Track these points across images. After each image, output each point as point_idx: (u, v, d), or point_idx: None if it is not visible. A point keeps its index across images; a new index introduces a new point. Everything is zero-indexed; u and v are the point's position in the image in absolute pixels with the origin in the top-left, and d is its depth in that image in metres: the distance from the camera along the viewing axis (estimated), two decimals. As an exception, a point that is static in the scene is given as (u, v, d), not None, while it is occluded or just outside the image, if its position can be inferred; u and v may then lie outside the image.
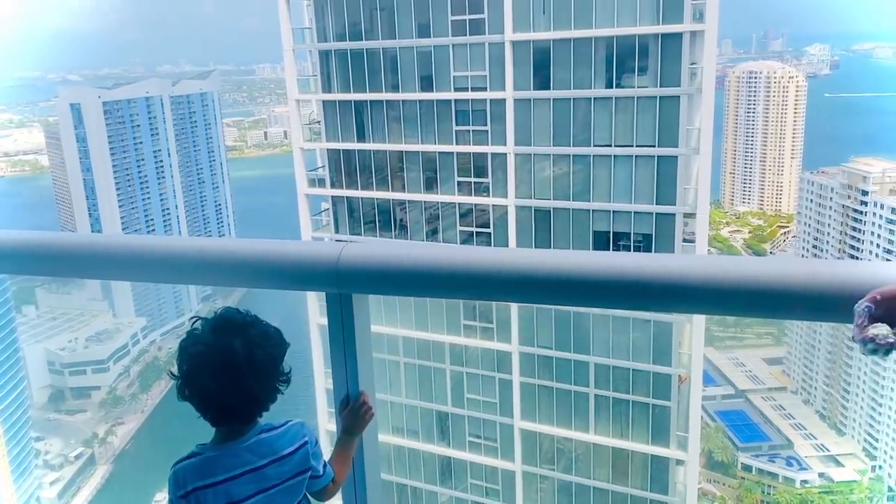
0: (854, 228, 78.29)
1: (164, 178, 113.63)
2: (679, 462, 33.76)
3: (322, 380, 39.50)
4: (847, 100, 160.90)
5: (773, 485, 73.37)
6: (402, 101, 35.65)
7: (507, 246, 33.77)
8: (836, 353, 79.51)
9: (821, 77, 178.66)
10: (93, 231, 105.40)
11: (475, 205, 35.55)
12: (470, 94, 34.24)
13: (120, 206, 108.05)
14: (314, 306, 37.72)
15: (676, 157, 31.69)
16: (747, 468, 75.12)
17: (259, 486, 2.31)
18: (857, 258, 77.60)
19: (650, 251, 32.30)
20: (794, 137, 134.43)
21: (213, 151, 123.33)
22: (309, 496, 2.50)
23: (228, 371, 2.24)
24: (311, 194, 39.15)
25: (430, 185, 36.40)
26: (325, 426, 38.59)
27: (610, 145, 32.46)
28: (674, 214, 31.98)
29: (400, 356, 37.08)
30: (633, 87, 31.77)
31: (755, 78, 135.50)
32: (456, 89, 34.39)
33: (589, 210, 33.29)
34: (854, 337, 1.91)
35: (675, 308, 2.24)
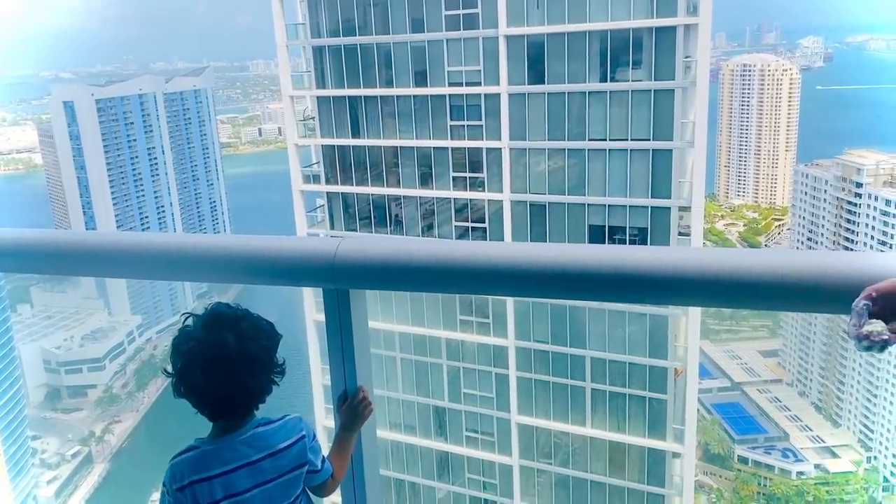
0: (848, 220, 78.54)
1: (158, 175, 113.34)
2: (675, 455, 33.87)
3: (319, 376, 39.52)
4: (841, 92, 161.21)
5: (769, 476, 73.70)
6: (397, 96, 35.59)
7: (502, 241, 33.78)
8: (832, 344, 79.82)
9: (815, 69, 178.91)
10: (87, 229, 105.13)
11: (470, 200, 35.55)
12: (464, 89, 34.20)
13: (114, 204, 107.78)
14: (310, 302, 37.70)
15: (671, 150, 31.72)
16: (744, 460, 75.44)
17: (256, 480, 2.31)
18: (851, 250, 77.86)
19: (646, 245, 32.36)
20: (788, 130, 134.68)
21: (207, 148, 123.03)
22: (308, 491, 2.49)
23: (221, 365, 2.24)
24: (306, 191, 39.09)
25: (426, 180, 36.37)
26: (323, 422, 38.62)
27: (605, 139, 32.47)
28: (669, 208, 32.02)
29: (396, 352, 37.10)
30: (628, 80, 31.77)
31: (749, 71, 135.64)
32: (450, 84, 34.35)
33: (584, 204, 33.32)
34: (850, 334, 1.92)
35: (672, 301, 2.24)
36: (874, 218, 74.66)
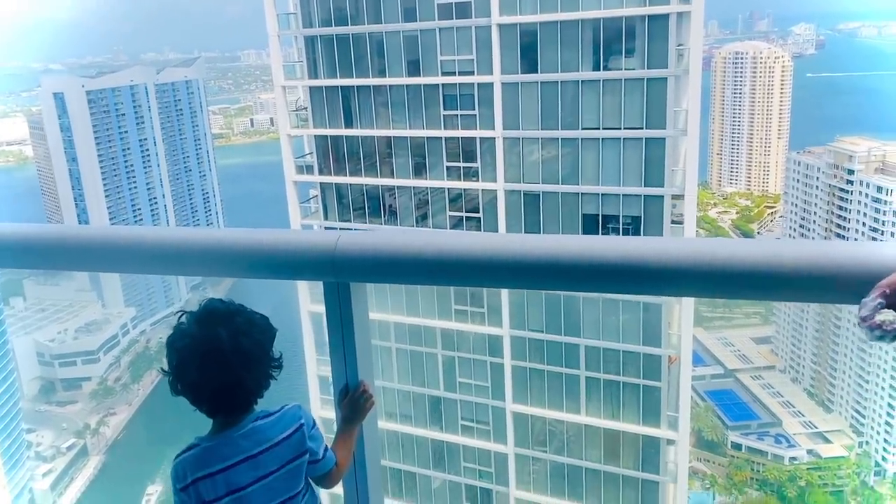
0: (840, 207, 78.83)
1: (150, 167, 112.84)
2: (670, 442, 34.08)
3: (314, 367, 39.54)
4: (833, 79, 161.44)
5: (762, 462, 74.21)
6: (390, 86, 35.48)
7: (496, 231, 33.82)
8: (824, 331, 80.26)
9: (806, 57, 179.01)
10: (80, 222, 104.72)
11: (464, 190, 35.54)
12: (457, 79, 34.12)
13: (106, 196, 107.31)
14: (305, 294, 37.70)
15: (664, 138, 31.75)
16: (737, 446, 75.93)
17: (257, 474, 2.32)
18: (843, 237, 78.17)
19: (639, 234, 32.45)
20: (780, 118, 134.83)
21: (199, 139, 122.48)
22: (312, 483, 2.49)
23: (215, 361, 2.24)
24: (299, 181, 39.00)
25: (419, 170, 36.34)
26: (319, 413, 38.67)
27: (598, 128, 32.48)
28: (662, 196, 32.07)
29: (391, 342, 37.15)
30: (621, 69, 31.74)
31: (741, 59, 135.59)
32: (443, 73, 34.25)
33: (578, 193, 33.35)
34: (861, 323, 1.95)
35: (667, 291, 2.26)
36: (866, 205, 74.96)
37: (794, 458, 73.74)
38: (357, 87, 36.06)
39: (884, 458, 72.25)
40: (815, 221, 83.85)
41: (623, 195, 32.51)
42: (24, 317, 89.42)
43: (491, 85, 33.33)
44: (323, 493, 2.63)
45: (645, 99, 31.66)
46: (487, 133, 34.09)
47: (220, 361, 2.24)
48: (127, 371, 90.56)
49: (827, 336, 79.84)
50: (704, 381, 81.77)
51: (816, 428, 76.81)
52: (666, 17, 30.30)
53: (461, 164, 35.26)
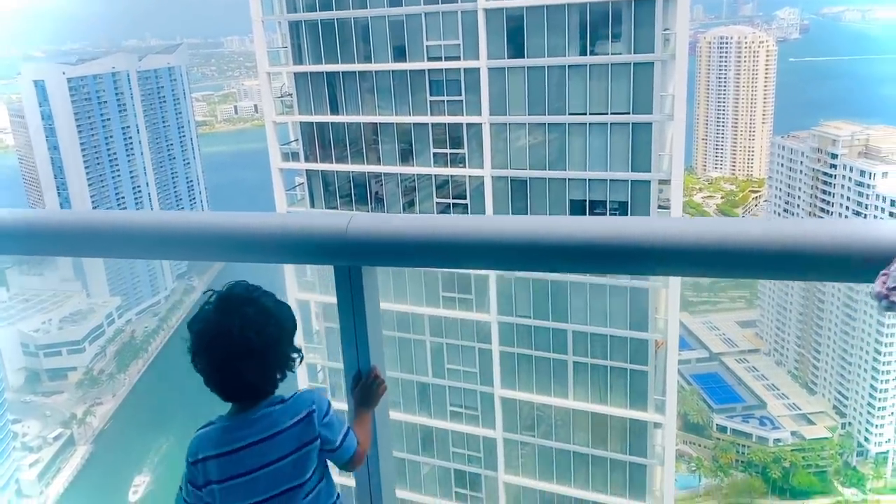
0: (824, 192, 79.47)
1: (133, 154, 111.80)
2: (657, 425, 34.35)
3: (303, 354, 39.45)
4: (817, 63, 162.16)
5: (747, 444, 75.11)
6: (375, 71, 35.24)
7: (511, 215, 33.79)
8: (807, 314, 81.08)
9: (791, 41, 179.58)
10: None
11: (451, 176, 35.45)
12: (443, 64, 33.92)
13: (89, 185, 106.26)
14: (292, 282, 37.60)
15: (651, 123, 31.77)
16: (722, 429, 76.79)
17: (263, 460, 2.30)
18: (828, 211, 78.82)
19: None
20: (764, 102, 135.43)
21: (182, 127, 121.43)
22: (328, 468, 2.46)
23: (221, 349, 2.23)
24: (284, 168, 38.74)
25: (406, 157, 36.19)
26: (307, 400, 38.67)
27: (585, 113, 32.45)
28: (649, 182, 32.15)
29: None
30: (608, 54, 31.69)
31: (726, 43, 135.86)
32: (429, 59, 34.03)
33: (565, 179, 33.36)
34: (873, 293, 1.95)
35: (662, 271, 2.25)
36: (849, 189, 75.58)
37: (778, 440, 74.70)
38: (342, 72, 35.78)
39: (866, 439, 73.30)
40: (798, 206, 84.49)
41: (610, 180, 32.56)
42: (7, 307, 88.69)
43: (477, 70, 33.18)
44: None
45: (632, 84, 31.63)
46: (474, 119, 33.98)
47: (225, 351, 2.23)
48: (113, 361, 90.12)
49: (811, 319, 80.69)
50: (690, 364, 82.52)
51: (800, 410, 77.81)
52: (652, 1, 30.24)
53: (448, 151, 35.15)
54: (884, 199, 70.87)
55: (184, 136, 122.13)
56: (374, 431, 2.72)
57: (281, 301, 2.37)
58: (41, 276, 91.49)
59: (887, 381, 72.15)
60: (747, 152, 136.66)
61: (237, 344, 2.21)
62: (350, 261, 2.52)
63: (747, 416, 77.90)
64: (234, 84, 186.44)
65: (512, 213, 34.32)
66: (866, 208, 73.25)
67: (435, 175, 35.61)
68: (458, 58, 33.49)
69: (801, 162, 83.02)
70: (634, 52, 31.24)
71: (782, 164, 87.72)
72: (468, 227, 2.38)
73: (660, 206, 32.49)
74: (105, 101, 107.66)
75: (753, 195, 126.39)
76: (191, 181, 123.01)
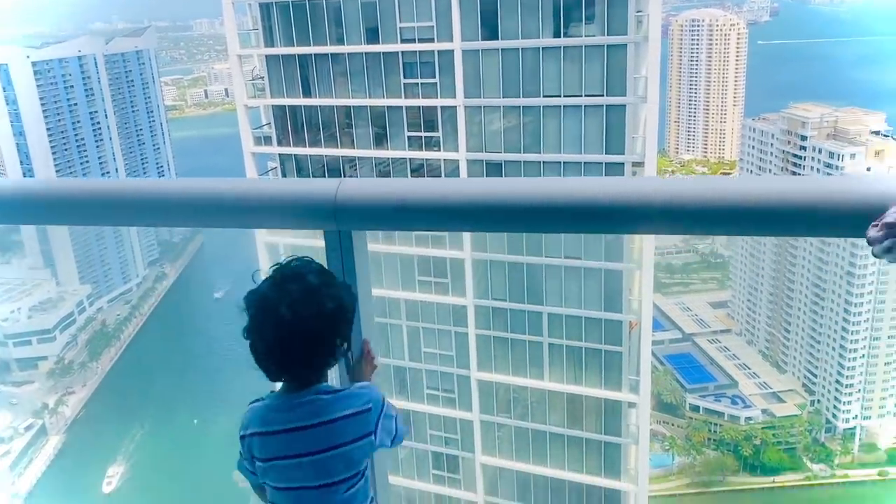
0: (794, 173, 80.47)
1: (102, 140, 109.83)
2: (631, 405, 34.80)
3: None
4: (787, 46, 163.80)
5: (719, 423, 76.37)
6: (348, 54, 34.91)
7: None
8: (778, 294, 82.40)
9: (761, 24, 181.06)
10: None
11: (426, 160, 35.34)
12: (417, 46, 33.69)
13: (57, 171, 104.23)
14: (266, 265, 37.26)
15: (624, 106, 31.91)
16: (695, 408, 77.94)
17: (308, 448, 2.24)
18: (796, 202, 79.90)
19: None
20: (735, 85, 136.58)
21: (152, 112, 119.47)
22: (368, 466, 2.39)
23: (261, 325, 2.21)
24: (257, 153, 38.33)
25: (380, 140, 35.97)
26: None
27: (559, 95, 32.47)
28: (623, 164, 32.33)
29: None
30: (581, 36, 31.70)
31: (698, 26, 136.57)
32: (403, 41, 33.78)
33: (540, 162, 33.41)
34: (870, 239, 1.98)
35: (642, 229, 2.28)
36: (818, 170, 76.65)
37: (749, 418, 76.02)
38: (315, 55, 35.39)
39: (834, 416, 74.88)
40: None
41: (584, 163, 32.68)
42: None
43: (451, 52, 33.00)
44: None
45: (605, 66, 31.71)
46: (449, 101, 33.83)
47: (264, 324, 2.20)
48: (84, 349, 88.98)
49: (781, 300, 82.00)
50: (663, 345, 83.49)
51: (771, 388, 79.19)
52: (625, -17, 30.28)
53: (422, 134, 35.00)
54: (852, 181, 71.79)
55: (153, 120, 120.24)
56: None
57: (337, 284, 2.30)
58: (8, 264, 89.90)
59: (854, 360, 73.66)
60: (719, 135, 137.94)
61: (276, 318, 2.17)
62: (340, 225, 2.50)
63: (719, 396, 79.15)
64: (205, 68, 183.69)
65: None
66: (835, 189, 74.32)
67: (410, 159, 35.47)
68: (431, 40, 33.29)
69: (772, 144, 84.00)
70: (608, 34, 31.29)
71: (753, 147, 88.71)
72: (455, 190, 2.40)
73: (633, 189, 32.64)
74: (72, 86, 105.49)
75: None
76: (161, 167, 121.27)
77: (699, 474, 74.90)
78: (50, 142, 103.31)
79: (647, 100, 31.84)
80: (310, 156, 37.01)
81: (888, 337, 73.02)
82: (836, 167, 74.10)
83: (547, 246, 33.75)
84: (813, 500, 71.19)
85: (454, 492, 38.21)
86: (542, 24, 31.89)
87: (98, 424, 78.82)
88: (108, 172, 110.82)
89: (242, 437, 2.31)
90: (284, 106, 36.89)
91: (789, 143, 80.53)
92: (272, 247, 38.00)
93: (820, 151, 76.01)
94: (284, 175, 37.90)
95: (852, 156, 72.84)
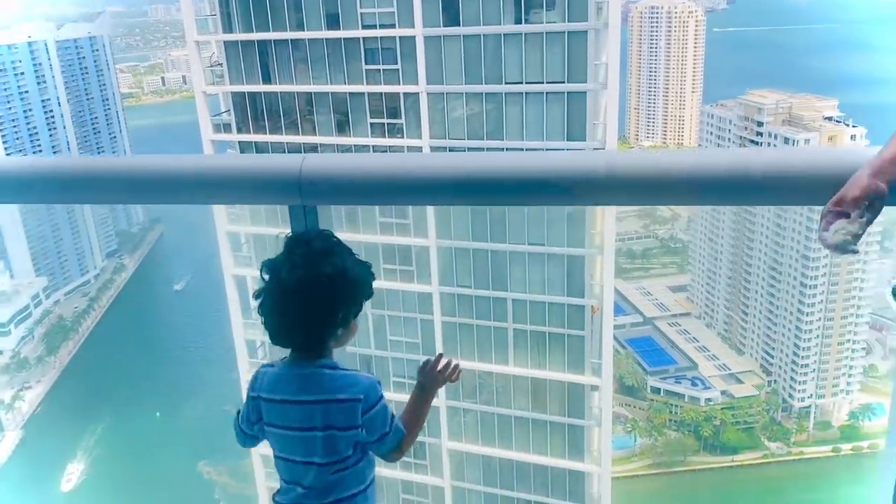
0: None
1: (55, 129, 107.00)
2: (594, 388, 35.28)
3: (241, 331, 38.97)
4: (743, 34, 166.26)
5: (679, 405, 77.80)
6: (309, 39, 34.52)
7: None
8: (736, 278, 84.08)
9: (718, 11, 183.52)
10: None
11: (389, 147, 35.18)
12: (378, 32, 33.47)
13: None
14: (227, 255, 36.93)
15: (585, 92, 32.13)
16: (656, 390, 79.26)
17: (299, 423, 2.28)
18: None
19: (562, 187, 32.93)
20: (694, 72, 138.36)
21: (107, 99, 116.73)
22: (366, 452, 2.39)
23: (270, 289, 2.25)
24: (216, 140, 37.77)
25: (342, 127, 35.71)
26: (247, 377, 38.29)
27: (521, 82, 32.57)
28: (584, 150, 32.56)
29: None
30: (542, 22, 31.79)
31: (657, 13, 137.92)
32: (364, 27, 33.52)
33: (503, 149, 33.48)
34: (821, 238, 2.08)
35: (604, 201, 2.36)
36: (774, 156, 78.01)
37: (709, 400, 77.58)
38: (274, 41, 34.94)
39: (790, 396, 76.82)
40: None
41: (546, 150, 32.83)
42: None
43: (413, 38, 32.86)
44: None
45: (566, 53, 31.87)
46: (411, 88, 33.71)
47: (272, 288, 2.25)
48: (41, 343, 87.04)
49: (739, 283, 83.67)
50: (625, 329, 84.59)
51: (729, 370, 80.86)
52: (585, -31, 30.42)
53: (385, 121, 34.84)
54: (806, 166, 73.34)
55: (109, 109, 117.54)
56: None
57: (345, 255, 2.34)
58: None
59: (809, 340, 75.47)
60: (678, 121, 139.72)
61: (282, 282, 2.22)
62: (305, 200, 2.53)
63: (680, 378, 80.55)
64: (161, 54, 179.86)
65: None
66: (790, 174, 75.90)
67: (373, 146, 35.28)
68: (393, 25, 33.09)
69: (729, 130, 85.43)
70: (568, 21, 31.43)
71: (711, 133, 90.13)
72: (418, 165, 2.47)
73: (595, 174, 32.95)
74: (22, 73, 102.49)
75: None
76: (118, 156, 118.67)
77: (661, 455, 76.29)
78: (0, 132, 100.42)
79: (608, 87, 32.10)
80: (270, 143, 36.58)
81: (841, 318, 75.01)
82: (791, 152, 75.52)
83: (511, 233, 33.96)
84: (770, 478, 72.98)
85: (421, 477, 38.41)
86: (504, 11, 31.91)
87: (57, 420, 77.28)
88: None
89: (254, 398, 2.34)
90: (244, 93, 36.39)
91: (746, 128, 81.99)
92: (233, 236, 37.58)
93: (776, 137, 77.52)
94: (245, 163, 37.38)
95: (807, 141, 74.45)
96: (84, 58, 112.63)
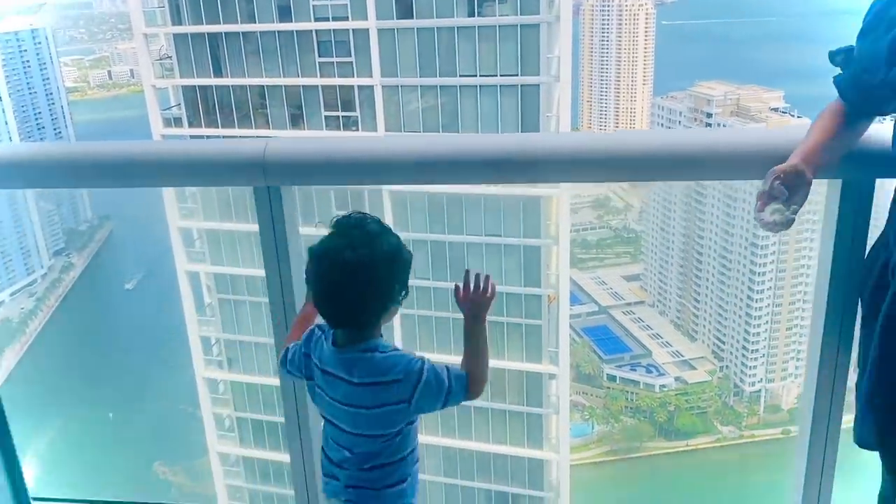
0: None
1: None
2: (551, 376, 35.77)
3: (196, 328, 38.45)
4: (692, 26, 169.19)
5: (635, 392, 79.08)
6: (260, 32, 34.13)
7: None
8: (687, 266, 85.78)
9: (668, 4, 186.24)
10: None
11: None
12: (331, 24, 33.25)
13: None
14: (181, 251, 36.39)
15: (539, 85, 32.43)
16: (612, 378, 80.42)
17: (348, 399, 2.38)
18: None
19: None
20: (644, 64, 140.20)
21: (51, 94, 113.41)
22: (413, 421, 2.51)
23: (323, 269, 2.34)
24: (167, 135, 37.12)
25: (296, 121, 35.42)
26: (203, 373, 37.88)
27: (475, 75, 32.72)
28: (541, 133, 32.82)
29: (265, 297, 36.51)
30: (495, 15, 31.97)
31: (607, 6, 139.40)
32: (316, 19, 33.29)
33: (457, 140, 33.61)
34: (757, 218, 2.26)
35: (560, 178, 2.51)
36: (723, 146, 79.64)
37: (663, 386, 79.05)
38: (225, 33, 34.46)
39: (741, 380, 78.75)
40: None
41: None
42: None
43: (367, 31, 32.75)
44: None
45: (519, 46, 32.12)
46: (365, 81, 33.61)
47: (326, 271, 2.33)
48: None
49: (690, 271, 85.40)
50: (581, 318, 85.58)
51: (683, 356, 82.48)
52: (536, -38, 30.67)
53: (340, 114, 34.68)
54: (753, 156, 75.12)
55: (53, 103, 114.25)
56: (304, 403, 2.77)
57: (394, 234, 2.49)
58: None
59: (759, 326, 77.40)
60: (629, 113, 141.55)
61: (340, 262, 2.29)
62: (269, 181, 2.60)
63: (635, 365, 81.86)
64: (107, 47, 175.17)
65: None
66: (738, 164, 77.62)
67: (328, 139, 35.07)
68: (346, 18, 32.91)
69: (679, 122, 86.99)
70: (520, 14, 31.67)
71: (661, 124, 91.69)
72: (379, 146, 2.57)
73: (549, 166, 33.31)
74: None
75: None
76: (84, 141, 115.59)
77: (617, 441, 77.61)
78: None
79: (561, 79, 32.46)
80: (223, 137, 36.10)
81: (789, 304, 77.11)
82: (739, 143, 77.21)
83: (468, 224, 34.16)
84: (724, 461, 74.75)
85: (381, 471, 38.40)
86: (457, 3, 32.00)
87: (5, 424, 75.18)
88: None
89: (306, 355, 2.45)
90: (195, 86, 35.83)
91: (696, 120, 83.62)
92: (186, 231, 37.02)
93: (725, 128, 79.14)
94: (197, 158, 36.81)
95: (754, 132, 76.23)
96: (26, 51, 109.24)
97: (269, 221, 2.65)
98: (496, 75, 32.57)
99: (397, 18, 32.54)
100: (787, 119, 77.91)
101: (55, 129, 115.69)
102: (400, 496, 2.50)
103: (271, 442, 37.03)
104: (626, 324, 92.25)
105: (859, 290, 2.70)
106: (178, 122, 36.78)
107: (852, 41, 2.52)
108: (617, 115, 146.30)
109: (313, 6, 33.13)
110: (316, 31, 33.46)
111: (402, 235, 2.48)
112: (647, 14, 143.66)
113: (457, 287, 2.75)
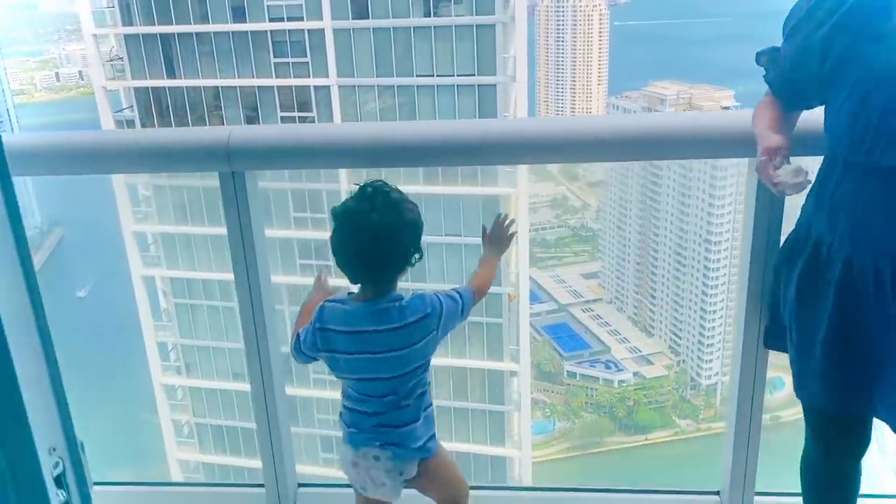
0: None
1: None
2: (513, 374, 36.03)
3: (152, 333, 37.80)
4: (644, 27, 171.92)
5: (594, 388, 79.87)
6: (214, 32, 33.71)
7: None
8: (643, 263, 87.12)
9: (621, 5, 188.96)
10: None
11: (300, 141, 34.73)
12: (286, 25, 33.01)
13: None
14: (135, 256, 35.75)
15: (495, 85, 32.66)
16: (572, 375, 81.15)
17: (390, 346, 2.60)
18: (658, 174, 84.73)
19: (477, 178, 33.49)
20: (599, 64, 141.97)
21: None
22: (429, 363, 2.74)
23: (348, 231, 2.60)
24: (120, 138, 36.44)
25: (252, 122, 34.93)
26: (160, 380, 37.28)
27: (432, 75, 32.80)
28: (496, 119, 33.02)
29: (235, 302, 36.14)
30: (451, 15, 32.10)
31: (562, 7, 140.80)
32: (271, 19, 33.02)
33: (415, 140, 33.62)
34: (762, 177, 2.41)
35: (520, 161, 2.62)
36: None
37: (622, 381, 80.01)
38: (178, 34, 33.96)
39: (698, 374, 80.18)
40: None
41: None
42: None
43: (322, 31, 32.59)
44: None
45: (475, 46, 32.31)
46: (322, 81, 33.45)
47: (352, 233, 2.60)
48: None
49: (646, 268, 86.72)
50: (541, 316, 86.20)
51: (641, 352, 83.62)
52: (491, -37, 30.89)
53: (296, 114, 34.44)
54: (706, 154, 76.64)
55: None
56: (270, 376, 2.85)
57: (414, 203, 2.69)
58: None
59: (714, 321, 78.87)
60: (585, 112, 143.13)
61: (366, 224, 2.52)
62: (234, 166, 2.66)
63: (594, 362, 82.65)
64: (54, 48, 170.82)
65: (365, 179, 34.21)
66: (691, 162, 79.11)
67: (284, 140, 34.76)
68: (301, 18, 32.72)
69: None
70: (476, 14, 31.86)
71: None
72: (342, 133, 2.63)
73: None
74: None
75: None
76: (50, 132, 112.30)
77: (578, 438, 78.33)
78: None
79: (517, 79, 32.73)
80: (178, 140, 35.55)
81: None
82: (692, 141, 78.63)
83: (427, 224, 34.02)
84: (682, 454, 75.87)
85: (344, 473, 38.25)
86: (412, 4, 32.05)
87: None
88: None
89: (322, 329, 2.67)
90: (147, 88, 35.24)
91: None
92: (140, 235, 36.40)
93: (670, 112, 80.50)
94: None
95: (706, 130, 77.65)
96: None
97: (234, 208, 2.73)
98: (453, 75, 32.71)
99: (353, 18, 32.47)
100: (738, 117, 79.57)
101: (1, 133, 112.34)
102: (429, 421, 2.79)
103: (232, 447, 36.60)
104: (585, 321, 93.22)
105: (784, 266, 2.83)
106: (130, 124, 36.12)
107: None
108: (573, 115, 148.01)
109: (268, 6, 32.86)
110: (271, 31, 33.18)
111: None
112: (600, 15, 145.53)
113: (484, 228, 3.11)
